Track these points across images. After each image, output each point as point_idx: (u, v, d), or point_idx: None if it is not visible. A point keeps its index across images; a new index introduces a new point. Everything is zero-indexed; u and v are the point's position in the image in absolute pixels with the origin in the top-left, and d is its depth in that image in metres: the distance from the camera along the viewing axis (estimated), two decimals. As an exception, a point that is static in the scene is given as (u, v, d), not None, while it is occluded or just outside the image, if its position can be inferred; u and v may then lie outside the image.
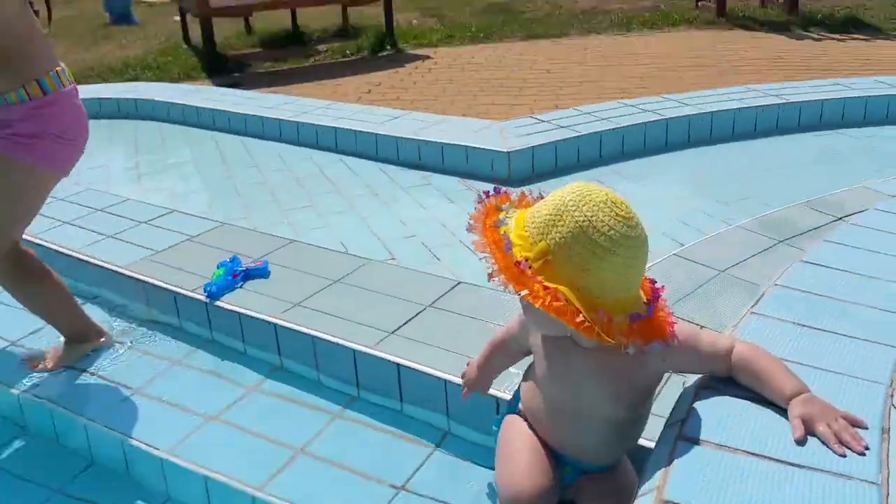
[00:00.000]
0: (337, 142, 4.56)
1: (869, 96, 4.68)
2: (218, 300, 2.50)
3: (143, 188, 4.10)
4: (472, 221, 1.38)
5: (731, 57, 7.86)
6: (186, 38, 10.01)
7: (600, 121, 4.34)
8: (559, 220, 1.27)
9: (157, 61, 8.90)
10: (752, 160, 4.10)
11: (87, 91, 6.15)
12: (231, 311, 2.46)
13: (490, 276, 1.31)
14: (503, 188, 1.47)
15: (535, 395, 1.54)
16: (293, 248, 2.92)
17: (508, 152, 3.88)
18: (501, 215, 1.38)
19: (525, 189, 1.49)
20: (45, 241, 3.06)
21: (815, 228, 2.88)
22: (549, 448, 1.54)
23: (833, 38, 8.85)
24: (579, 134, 4.13)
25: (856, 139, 4.37)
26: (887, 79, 5.05)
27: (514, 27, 10.27)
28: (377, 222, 3.44)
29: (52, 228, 3.17)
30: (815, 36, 9.05)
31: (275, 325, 2.35)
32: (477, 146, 4.00)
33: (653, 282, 1.39)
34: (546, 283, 1.24)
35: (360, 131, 4.46)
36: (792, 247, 2.76)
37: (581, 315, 1.21)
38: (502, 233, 1.33)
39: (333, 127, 4.59)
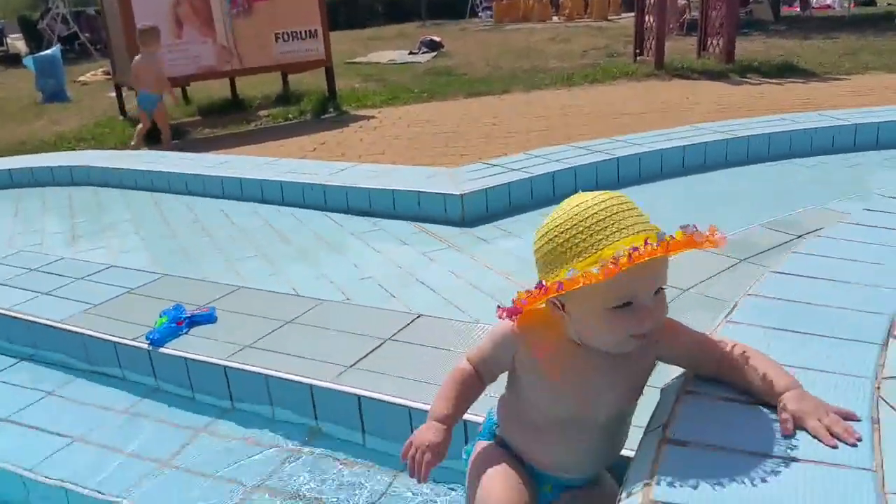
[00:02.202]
0: (283, 195, 4.44)
1: (814, 128, 4.81)
2: (161, 347, 2.33)
3: (79, 249, 3.90)
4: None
5: (673, 103, 8.08)
6: (122, 111, 9.88)
7: (551, 162, 4.34)
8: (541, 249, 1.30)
9: (92, 133, 8.73)
10: (705, 192, 4.13)
11: (19, 161, 5.97)
12: (176, 356, 2.30)
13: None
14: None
15: (526, 415, 1.44)
16: (241, 294, 2.77)
17: (462, 195, 3.82)
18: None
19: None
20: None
21: (776, 246, 2.89)
22: (525, 472, 1.46)
23: (770, 82, 9.21)
24: (532, 175, 4.11)
25: (805, 168, 4.45)
26: (830, 112, 5.23)
27: (456, 86, 10.44)
28: (330, 268, 3.31)
29: (-20, 290, 2.97)
30: (754, 81, 9.40)
31: (224, 367, 2.19)
32: (429, 190, 3.94)
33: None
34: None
35: (308, 183, 4.35)
36: (754, 264, 2.74)
37: (619, 258, 1.14)
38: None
39: (279, 181, 4.49)
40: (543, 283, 1.22)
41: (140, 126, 7.58)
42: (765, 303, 1.87)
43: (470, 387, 1.47)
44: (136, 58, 7.42)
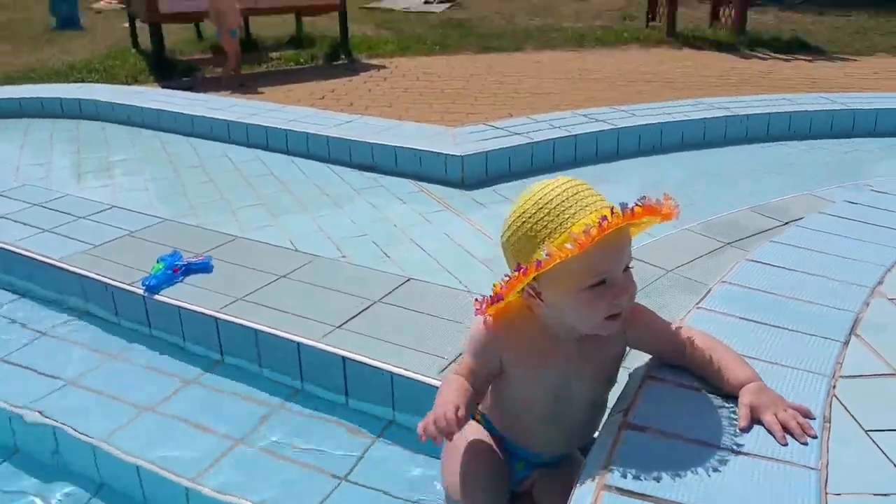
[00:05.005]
0: (288, 144, 4.49)
1: (814, 111, 4.81)
2: (157, 294, 2.41)
3: (83, 186, 3.97)
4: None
5: (680, 73, 8.03)
6: (135, 44, 9.82)
7: (553, 129, 4.36)
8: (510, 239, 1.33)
9: (103, 65, 8.70)
10: (700, 169, 4.16)
11: (28, 91, 5.98)
12: (170, 304, 2.37)
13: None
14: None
15: (504, 399, 1.49)
16: (238, 244, 2.84)
17: (462, 156, 3.86)
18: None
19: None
20: (-24, 234, 2.93)
21: (761, 232, 2.94)
22: (500, 449, 1.52)
23: (779, 58, 9.13)
24: (532, 140, 4.14)
25: (801, 150, 4.47)
26: (829, 95, 5.21)
27: (469, 40, 10.35)
28: (328, 222, 3.38)
29: (-16, 222, 3.04)
30: (762, 55, 9.32)
31: (215, 318, 2.26)
32: (431, 150, 3.98)
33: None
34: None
35: (312, 133, 4.39)
36: (738, 248, 2.80)
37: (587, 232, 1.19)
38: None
39: (284, 129, 4.52)
40: (521, 265, 1.26)
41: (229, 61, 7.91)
42: (736, 291, 1.94)
43: (468, 390, 1.40)
44: None
